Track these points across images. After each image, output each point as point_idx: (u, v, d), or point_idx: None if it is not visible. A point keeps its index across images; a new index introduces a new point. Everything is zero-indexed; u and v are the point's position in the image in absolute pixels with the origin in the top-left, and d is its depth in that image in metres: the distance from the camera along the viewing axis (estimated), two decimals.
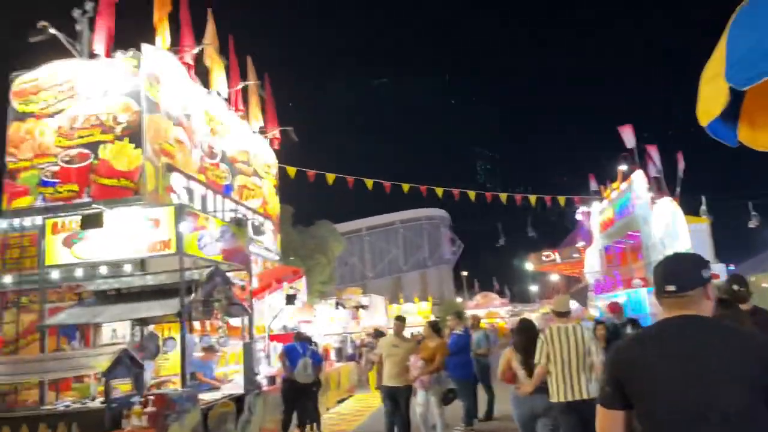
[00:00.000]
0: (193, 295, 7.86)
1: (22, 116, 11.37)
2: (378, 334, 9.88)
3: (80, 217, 7.60)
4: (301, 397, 9.83)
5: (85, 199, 10.59)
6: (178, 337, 10.99)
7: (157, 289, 8.36)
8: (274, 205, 17.94)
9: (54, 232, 7.88)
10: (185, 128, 12.66)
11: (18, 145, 11.22)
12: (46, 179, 10.98)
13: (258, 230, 9.78)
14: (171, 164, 11.71)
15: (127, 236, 7.78)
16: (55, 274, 8.87)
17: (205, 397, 8.29)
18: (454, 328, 9.79)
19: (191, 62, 13.15)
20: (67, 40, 11.18)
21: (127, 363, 7.07)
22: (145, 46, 11.48)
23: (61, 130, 11.17)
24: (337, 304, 26.90)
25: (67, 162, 10.96)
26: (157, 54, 11.91)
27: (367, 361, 10.60)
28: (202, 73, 14.23)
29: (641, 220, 19.66)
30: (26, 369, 7.20)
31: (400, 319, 8.80)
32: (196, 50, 12.95)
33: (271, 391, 9.94)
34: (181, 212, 7.72)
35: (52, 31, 10.81)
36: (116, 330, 10.46)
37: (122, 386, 9.84)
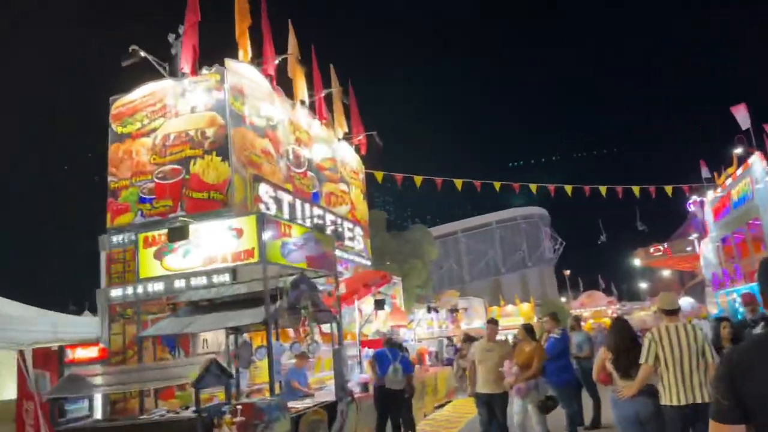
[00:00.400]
0: (278, 302, 7.81)
1: (121, 137, 11.97)
2: (468, 338, 9.45)
3: (167, 230, 7.78)
4: (393, 404, 9.57)
5: (179, 213, 10.94)
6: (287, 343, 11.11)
7: (246, 298, 8.40)
8: (363, 210, 17.91)
9: (146, 246, 8.13)
10: (271, 139, 12.85)
11: (118, 165, 11.82)
12: (143, 196, 11.47)
13: (341, 235, 9.67)
14: (258, 175, 11.89)
15: (212, 247, 7.88)
16: (156, 286, 9.16)
17: (297, 405, 8.22)
18: (550, 330, 9.17)
19: (273, 73, 13.34)
20: (155, 61, 11.65)
21: (216, 372, 7.10)
22: (227, 61, 11.76)
23: (155, 148, 11.65)
24: (429, 307, 26.56)
25: (161, 178, 11.40)
26: (240, 67, 12.17)
27: (457, 367, 10.19)
28: (285, 84, 14.44)
29: (762, 207, 17.85)
30: (126, 379, 7.43)
31: (493, 322, 8.33)
32: (277, 61, 13.13)
33: (364, 399, 9.76)
34: (262, 221, 7.71)
35: (143, 53, 11.30)
36: (206, 339, 10.73)
37: (220, 394, 10.06)
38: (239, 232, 7.84)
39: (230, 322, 7.86)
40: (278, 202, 12.41)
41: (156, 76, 12.04)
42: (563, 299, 60.45)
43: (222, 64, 11.65)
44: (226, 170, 11.09)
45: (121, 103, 12.15)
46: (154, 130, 11.75)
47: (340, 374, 9.16)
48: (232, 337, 10.11)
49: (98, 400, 8.94)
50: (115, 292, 11.18)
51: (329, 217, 15.01)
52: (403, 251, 45.91)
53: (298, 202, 13.41)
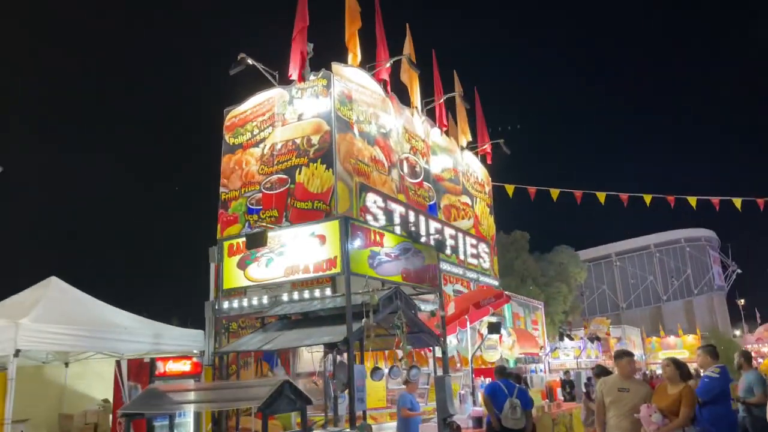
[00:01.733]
0: (363, 320, 6.89)
1: (232, 148, 11.89)
2: (601, 371, 7.76)
3: (245, 237, 7.22)
4: None
5: (284, 224, 10.50)
6: (385, 366, 10.23)
7: (336, 313, 7.58)
8: (489, 225, 16.55)
9: (230, 254, 7.64)
10: (381, 147, 12.10)
11: (229, 176, 11.72)
12: (251, 207, 11.22)
13: (441, 245, 8.52)
14: (365, 184, 11.16)
15: (295, 255, 7.17)
16: (263, 299, 8.64)
17: None
18: (704, 367, 7.28)
19: (387, 78, 12.64)
20: (264, 69, 11.45)
21: (290, 395, 6.30)
22: (334, 65, 11.24)
23: (264, 158, 11.38)
24: (561, 335, 24.21)
25: (268, 189, 11.07)
26: (348, 72, 11.60)
27: (585, 410, 8.47)
28: (403, 91, 13.70)
29: None
30: (203, 397, 6.88)
31: (627, 355, 6.69)
32: (388, 64, 12.40)
33: None
34: (346, 226, 6.86)
35: (250, 61, 11.13)
36: (312, 356, 10.04)
37: (318, 419, 9.31)
38: (322, 239, 7.06)
39: (307, 341, 7.06)
40: (388, 213, 11.57)
41: (267, 84, 11.84)
42: (737, 332, 53.36)
43: (330, 69, 11.14)
44: (330, 178, 10.47)
45: (234, 114, 12.11)
46: (264, 139, 11.52)
47: (443, 406, 7.99)
48: (330, 356, 9.39)
49: (190, 416, 8.59)
50: (223, 305, 11.00)
51: (448, 231, 13.91)
52: (547, 274, 43.23)
53: (411, 214, 12.48)
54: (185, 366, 8.63)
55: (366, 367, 8.91)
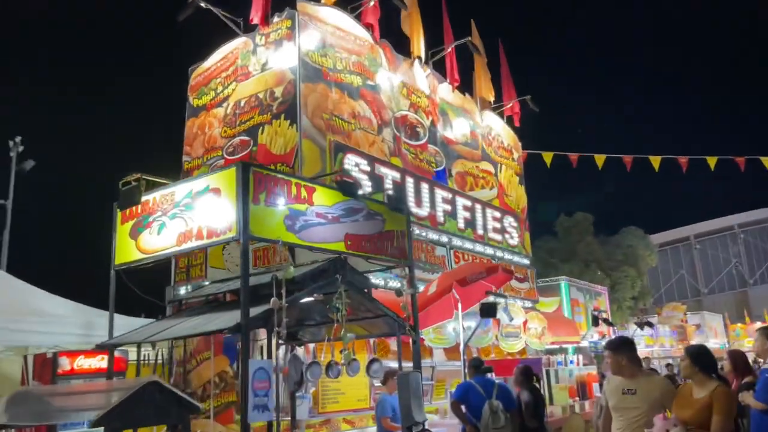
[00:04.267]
0: (273, 299, 5.11)
1: (196, 111, 10.36)
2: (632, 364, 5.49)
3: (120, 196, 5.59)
4: None
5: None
6: (366, 358, 8.47)
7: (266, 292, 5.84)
8: (518, 196, 14.33)
9: (124, 221, 6.04)
10: (369, 101, 10.25)
11: (192, 142, 10.20)
12: None
13: (398, 201, 6.52)
14: (342, 143, 9.34)
15: (190, 217, 5.48)
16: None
17: None
18: (764, 357, 5.10)
19: (375, 23, 10.74)
20: (223, 15, 9.80)
21: (159, 402, 4.63)
22: (302, 3, 9.46)
23: (227, 118, 9.79)
24: (640, 323, 21.70)
25: (230, 153, 9.46)
26: (321, 11, 9.80)
27: (599, 407, 6.43)
28: (401, 42, 11.78)
29: None
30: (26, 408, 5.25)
31: (628, 346, 4.63)
32: (372, 2, 10.48)
33: None
34: (245, 173, 5.09)
35: (203, 5, 9.50)
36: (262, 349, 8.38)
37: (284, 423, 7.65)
38: (217, 193, 5.33)
39: (199, 329, 5.35)
40: (376, 179, 9.72)
41: (233, 34, 10.21)
42: None
43: (296, 7, 9.38)
44: (294, 136, 8.74)
45: (199, 72, 10.57)
46: (227, 97, 9.91)
47: (407, 412, 6.12)
48: (283, 349, 7.69)
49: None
50: (180, 290, 9.52)
51: (461, 202, 11.89)
52: (614, 258, 40.09)
53: (410, 181, 10.57)
54: (101, 362, 7.13)
55: (321, 362, 7.16)
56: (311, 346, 8.22)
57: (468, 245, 11.66)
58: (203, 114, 10.20)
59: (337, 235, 5.97)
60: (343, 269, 5.98)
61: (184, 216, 5.53)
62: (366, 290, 6.40)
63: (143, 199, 5.86)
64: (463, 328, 9.20)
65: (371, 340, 8.84)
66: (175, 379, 8.69)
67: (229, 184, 5.23)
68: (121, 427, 4.63)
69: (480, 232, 12.28)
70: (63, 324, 7.81)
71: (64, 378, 6.83)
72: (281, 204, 5.44)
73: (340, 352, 5.96)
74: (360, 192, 8.15)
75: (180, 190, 5.61)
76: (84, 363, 7.01)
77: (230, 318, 5.25)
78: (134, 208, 5.96)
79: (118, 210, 6.07)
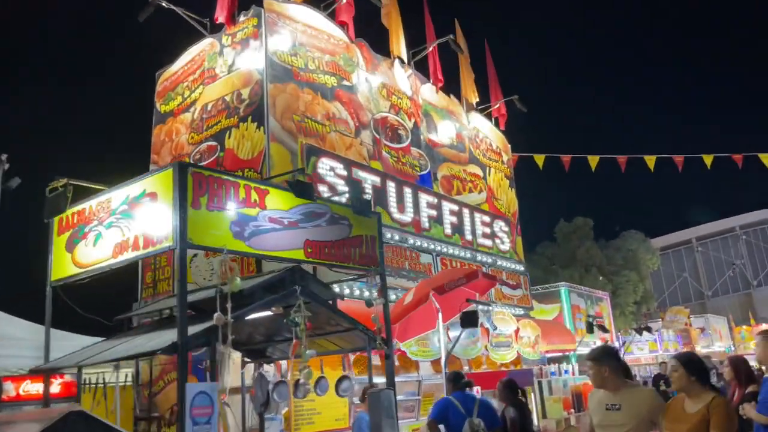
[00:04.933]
0: (216, 315, 4.56)
1: (163, 118, 9.86)
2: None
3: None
4: None
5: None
6: (335, 376, 7.94)
7: (207, 308, 5.29)
8: (509, 200, 13.78)
9: (60, 232, 5.50)
10: (345, 102, 9.74)
11: (159, 150, 9.70)
12: None
13: (363, 203, 5.98)
14: (315, 146, 8.82)
15: (127, 226, 4.94)
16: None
17: None
18: (767, 364, 4.54)
19: (349, 22, 10.25)
20: (186, 14, 9.33)
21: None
22: (269, 1, 8.97)
23: (194, 123, 9.28)
24: (639, 329, 21.22)
25: (197, 161, 8.94)
26: (290, 9, 9.31)
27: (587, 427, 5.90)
28: (379, 40, 11.30)
29: None
30: None
31: (611, 356, 4.10)
32: (344, 1, 10.00)
33: None
34: (181, 174, 4.56)
35: (164, 4, 9.03)
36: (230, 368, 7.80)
37: None
38: (153, 198, 4.79)
39: (132, 351, 4.80)
40: (354, 183, 9.18)
41: (200, 36, 9.73)
42: None
43: (262, 5, 8.89)
44: (262, 139, 8.22)
45: (166, 76, 10.09)
46: (194, 102, 9.41)
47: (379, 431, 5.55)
48: (252, 367, 7.13)
49: None
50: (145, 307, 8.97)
51: (448, 206, 11.35)
52: (615, 262, 39.56)
53: (392, 186, 10.04)
54: (52, 387, 6.55)
55: (287, 381, 6.60)
56: (283, 363, 7.66)
57: (456, 251, 11.10)
58: (170, 120, 9.70)
59: (294, 242, 5.43)
60: (302, 279, 5.45)
61: (121, 225, 4.99)
62: (330, 302, 5.86)
63: (80, 207, 5.34)
64: (449, 339, 8.65)
65: (350, 356, 8.28)
66: (141, 403, 8.11)
67: (165, 187, 4.70)
68: None
69: (468, 237, 11.73)
70: (17, 346, 7.28)
71: (10, 405, 6.25)
72: (227, 208, 4.91)
73: (299, 370, 5.39)
74: (335, 198, 7.65)
75: (116, 196, 5.08)
76: (31, 388, 6.39)
77: (173, 336, 4.70)
78: (70, 217, 5.44)
79: (51, 220, 5.55)
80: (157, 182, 4.79)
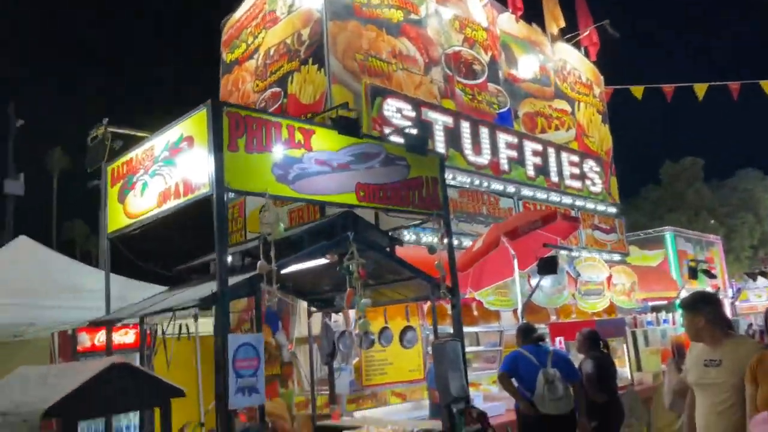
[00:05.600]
0: (259, 263, 4.29)
1: (230, 67, 9.69)
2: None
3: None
4: None
5: None
6: (420, 326, 7.67)
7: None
8: (601, 137, 12.64)
9: (113, 182, 5.42)
10: (412, 38, 9.10)
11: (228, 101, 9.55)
12: None
13: (421, 142, 5.42)
14: (380, 86, 8.31)
15: (169, 173, 4.74)
16: None
17: None
18: None
19: None
20: None
21: (125, 384, 3.98)
22: None
23: (258, 70, 9.03)
24: (752, 274, 19.71)
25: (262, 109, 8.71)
26: None
27: (672, 388, 5.18)
28: None
29: None
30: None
31: (708, 304, 3.47)
32: None
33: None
34: (216, 114, 4.25)
35: None
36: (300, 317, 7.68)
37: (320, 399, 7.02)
38: (190, 143, 4.53)
39: (177, 302, 4.64)
40: (424, 125, 8.63)
41: None
42: None
43: None
44: (323, 81, 7.82)
45: (231, 24, 9.86)
46: (257, 48, 9.13)
47: (444, 387, 5.19)
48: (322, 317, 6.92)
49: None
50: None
51: (530, 146, 10.53)
52: (728, 203, 36.76)
53: (466, 126, 9.38)
54: (124, 336, 6.70)
55: (351, 332, 6.34)
56: (352, 313, 7.42)
57: (540, 195, 10.34)
58: (236, 69, 9.51)
59: (345, 185, 5.02)
60: (355, 225, 5.07)
61: (163, 172, 4.79)
62: (388, 249, 5.46)
63: (128, 156, 5.21)
64: (530, 288, 8.06)
65: (422, 305, 7.91)
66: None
67: (200, 130, 4.41)
68: (80, 417, 4.04)
69: (554, 179, 10.89)
70: (93, 298, 7.48)
71: (85, 355, 6.45)
72: (269, 150, 4.57)
73: (357, 320, 5.07)
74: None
75: (158, 143, 4.87)
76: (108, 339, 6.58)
77: (195, 291, 4.51)
78: (120, 168, 5.33)
79: (105, 171, 5.47)
80: (193, 125, 4.52)
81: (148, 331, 5.89)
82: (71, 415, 3.79)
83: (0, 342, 8.42)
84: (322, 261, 5.22)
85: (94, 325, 5.65)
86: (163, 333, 5.36)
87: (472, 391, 7.39)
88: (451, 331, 6.09)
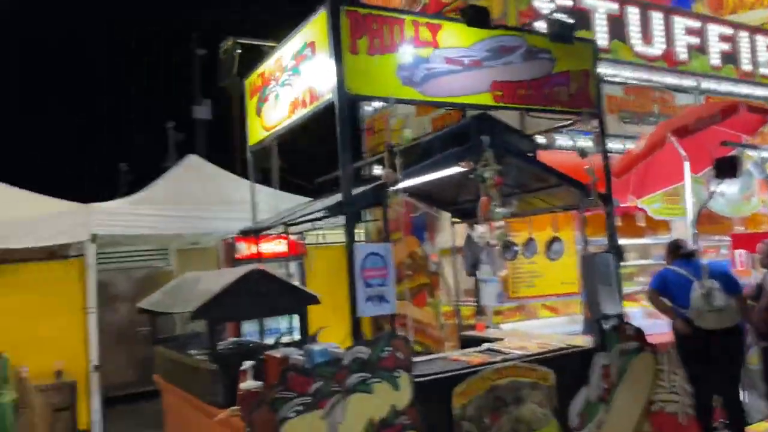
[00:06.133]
0: (385, 171, 4.14)
1: None
2: None
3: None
4: (718, 359, 4.69)
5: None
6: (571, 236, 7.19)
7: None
8: None
9: (252, 94, 5.49)
10: None
11: None
12: None
13: (568, 28, 4.61)
14: None
15: (297, 82, 4.65)
16: None
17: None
18: None
19: None
20: None
21: (264, 290, 4.14)
22: None
23: None
24: None
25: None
26: None
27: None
28: None
29: None
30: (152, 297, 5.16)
31: None
32: None
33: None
34: (334, 11, 4.01)
35: None
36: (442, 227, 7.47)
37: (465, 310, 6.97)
38: (313, 49, 4.37)
39: (310, 211, 4.63)
40: (578, 14, 7.67)
41: None
42: None
43: None
44: None
45: None
46: None
47: (594, 301, 4.81)
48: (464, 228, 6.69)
49: None
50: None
51: (714, 29, 8.97)
52: None
53: (632, 12, 8.19)
54: (277, 246, 7.05)
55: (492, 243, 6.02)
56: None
57: (726, 87, 8.88)
58: None
59: (479, 85, 4.60)
60: (492, 129, 4.65)
61: (292, 81, 4.75)
62: (530, 154, 4.98)
63: (261, 69, 5.23)
64: (707, 191, 7.06)
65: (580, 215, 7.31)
66: None
67: (321, 34, 4.23)
68: (223, 319, 4.30)
69: (746, 68, 9.24)
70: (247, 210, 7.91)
71: (242, 262, 6.91)
72: (393, 51, 4.27)
73: (494, 231, 4.76)
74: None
75: (285, 52, 4.80)
76: (264, 248, 6.97)
77: (323, 203, 4.46)
78: (256, 80, 5.38)
79: (244, 85, 5.56)
80: (314, 30, 4.34)
81: (295, 240, 6.14)
82: (213, 317, 4.04)
83: (181, 249, 9.45)
84: (457, 169, 4.92)
85: (243, 235, 5.95)
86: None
87: (633, 307, 6.84)
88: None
